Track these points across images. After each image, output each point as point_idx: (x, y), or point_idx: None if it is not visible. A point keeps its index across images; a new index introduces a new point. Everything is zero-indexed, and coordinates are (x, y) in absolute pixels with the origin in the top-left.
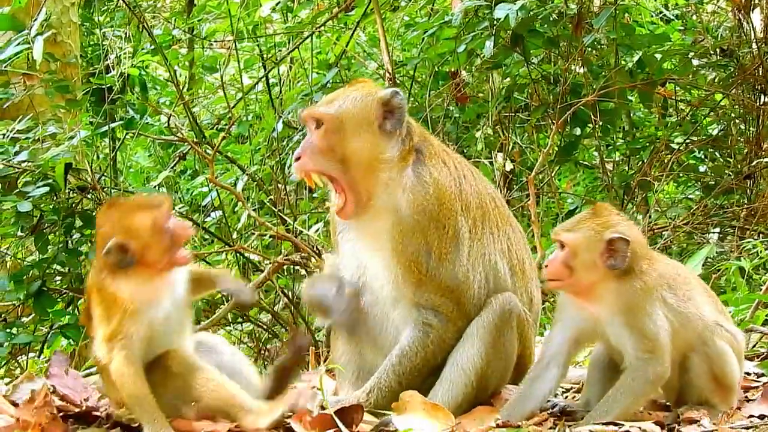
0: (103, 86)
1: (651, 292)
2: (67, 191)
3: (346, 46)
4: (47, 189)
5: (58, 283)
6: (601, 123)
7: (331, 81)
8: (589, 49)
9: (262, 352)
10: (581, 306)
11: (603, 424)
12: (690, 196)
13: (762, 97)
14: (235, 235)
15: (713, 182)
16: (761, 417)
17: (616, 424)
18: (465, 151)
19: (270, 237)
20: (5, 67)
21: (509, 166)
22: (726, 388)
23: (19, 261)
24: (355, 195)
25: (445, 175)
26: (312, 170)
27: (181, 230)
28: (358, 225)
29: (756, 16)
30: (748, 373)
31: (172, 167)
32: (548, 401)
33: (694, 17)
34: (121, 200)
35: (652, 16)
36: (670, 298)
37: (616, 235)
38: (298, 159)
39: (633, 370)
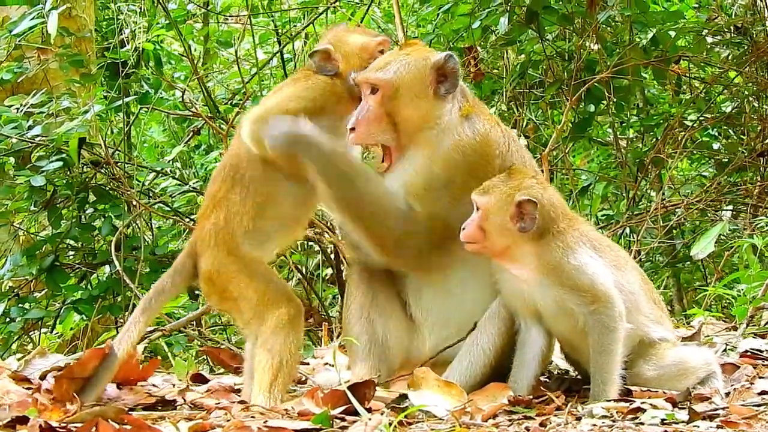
0: (118, 61)
1: (572, 247)
2: (80, 166)
3: (361, 21)
4: (61, 163)
5: (71, 258)
6: (615, 100)
7: None
8: (604, 26)
9: None
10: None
11: (614, 400)
12: (703, 174)
13: None
14: None
15: (726, 160)
16: None
17: (626, 400)
18: None
19: None
20: (19, 41)
21: (523, 142)
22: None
23: (32, 236)
24: (401, 154)
25: (496, 132)
26: (368, 142)
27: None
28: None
29: None
30: (759, 350)
31: (186, 142)
32: (557, 372)
33: None
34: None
35: None
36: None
37: (525, 197)
38: (353, 129)
39: (592, 328)
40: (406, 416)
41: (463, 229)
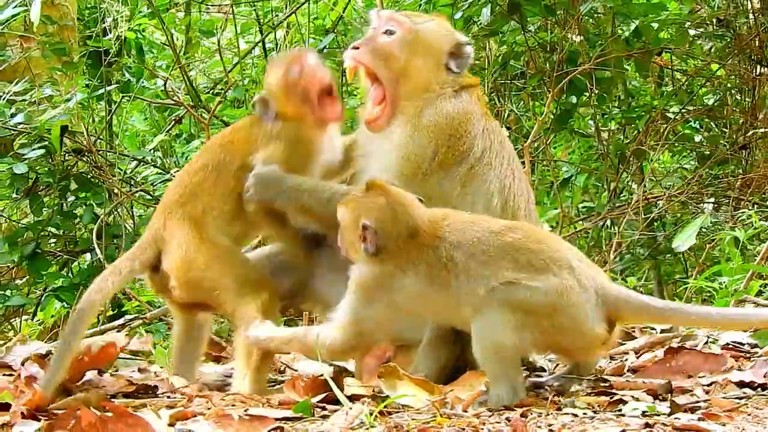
0: (100, 49)
1: (376, 282)
2: (62, 154)
3: (343, 11)
4: (43, 151)
5: (52, 245)
6: (597, 92)
7: (327, 46)
8: (586, 17)
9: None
10: None
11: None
12: (685, 166)
13: (758, 67)
14: None
15: (708, 152)
16: (754, 387)
17: (608, 393)
18: None
19: None
20: (2, 29)
21: (505, 133)
22: None
23: (13, 223)
24: (393, 110)
25: (477, 108)
26: (366, 64)
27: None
28: (379, 138)
29: None
30: (741, 344)
31: (167, 131)
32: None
33: None
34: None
35: None
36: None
37: (367, 222)
38: (356, 48)
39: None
40: (386, 406)
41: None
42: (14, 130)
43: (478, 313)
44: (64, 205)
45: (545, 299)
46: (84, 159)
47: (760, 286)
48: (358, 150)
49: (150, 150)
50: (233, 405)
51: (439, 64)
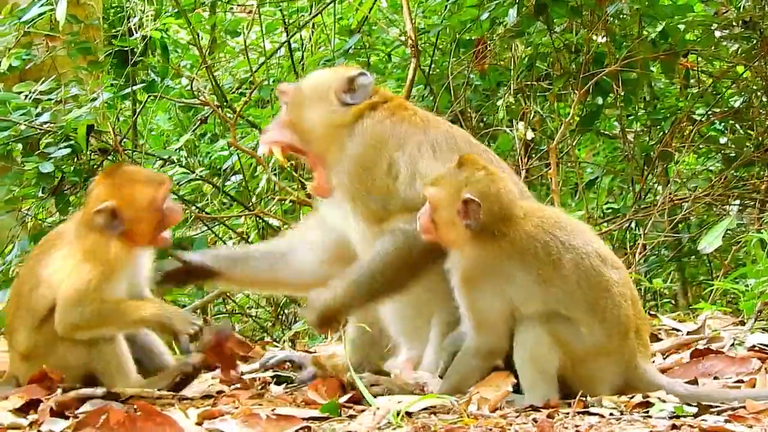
0: (125, 48)
1: (498, 262)
2: (88, 153)
3: (369, 12)
4: (69, 150)
5: None
6: (623, 93)
7: (353, 47)
8: (612, 18)
9: (280, 316)
10: None
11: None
12: (710, 168)
13: None
14: (254, 200)
15: (734, 154)
16: None
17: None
18: (485, 119)
19: (290, 202)
20: (28, 28)
21: (530, 135)
22: None
23: (39, 222)
24: (325, 168)
25: (387, 124)
26: (276, 141)
27: (173, 213)
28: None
29: None
30: (767, 345)
31: (193, 131)
32: None
33: None
34: (125, 168)
35: None
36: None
37: (469, 195)
38: (265, 133)
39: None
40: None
41: (419, 219)
42: (40, 129)
43: (527, 320)
44: None
45: (582, 350)
46: (110, 158)
47: None
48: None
49: (175, 150)
50: (261, 405)
51: (331, 105)
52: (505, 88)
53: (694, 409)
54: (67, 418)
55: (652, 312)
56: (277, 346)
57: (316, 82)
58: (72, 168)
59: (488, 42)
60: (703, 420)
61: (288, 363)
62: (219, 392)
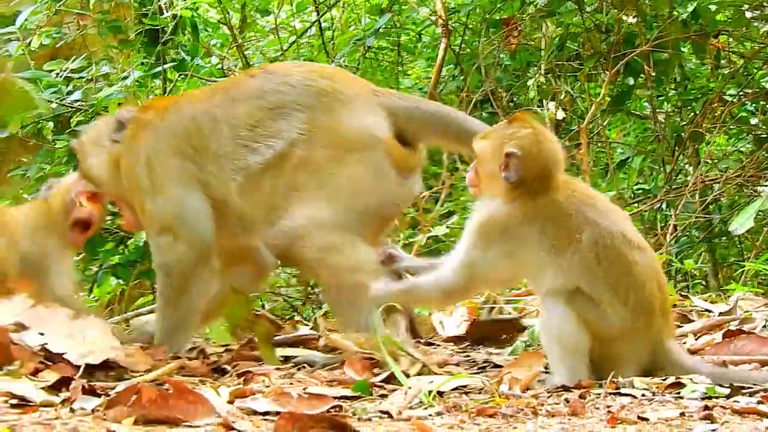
0: (156, 27)
1: (519, 223)
2: None
3: None
4: None
5: (108, 222)
6: (654, 74)
7: (383, 26)
8: None
9: (310, 296)
10: None
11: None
12: (741, 149)
13: None
14: None
15: (765, 135)
16: None
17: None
18: (516, 99)
19: None
20: (59, 6)
21: (560, 115)
22: None
23: None
24: (124, 204)
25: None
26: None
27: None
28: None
29: None
30: None
31: None
32: None
33: None
34: None
35: None
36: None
37: (512, 149)
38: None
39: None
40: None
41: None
42: (71, 107)
43: (550, 300)
44: None
45: (608, 330)
46: None
47: None
48: None
49: None
50: (292, 383)
51: (103, 146)
52: (536, 68)
53: (726, 390)
54: (99, 396)
55: (683, 293)
56: (307, 325)
57: (91, 133)
58: None
59: (518, 22)
60: (735, 401)
61: None
62: (248, 371)
